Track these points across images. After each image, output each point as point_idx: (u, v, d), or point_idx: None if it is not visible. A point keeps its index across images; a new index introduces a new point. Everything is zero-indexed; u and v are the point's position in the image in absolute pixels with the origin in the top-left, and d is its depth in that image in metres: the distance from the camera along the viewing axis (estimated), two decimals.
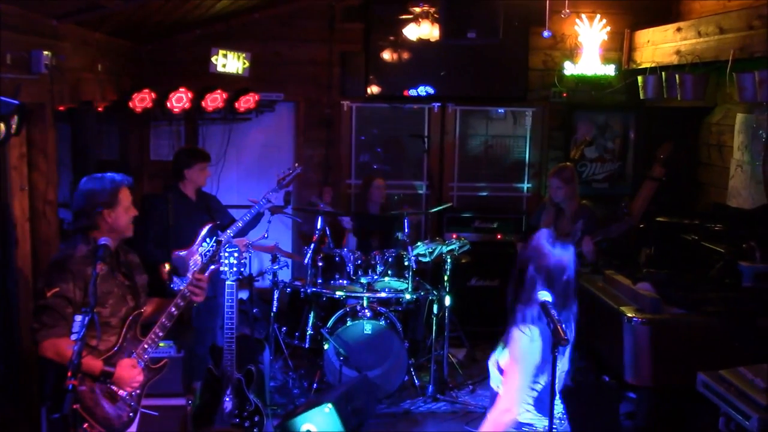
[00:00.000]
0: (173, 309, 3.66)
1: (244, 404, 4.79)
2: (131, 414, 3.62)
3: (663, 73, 6.93)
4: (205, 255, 4.03)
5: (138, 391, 3.64)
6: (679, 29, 6.85)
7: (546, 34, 5.92)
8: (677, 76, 6.64)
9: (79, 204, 3.60)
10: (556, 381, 2.98)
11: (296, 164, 5.89)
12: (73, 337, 3.16)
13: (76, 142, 5.88)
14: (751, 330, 5.33)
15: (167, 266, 5.42)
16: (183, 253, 5.52)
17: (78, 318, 3.20)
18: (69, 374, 2.97)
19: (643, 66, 7.57)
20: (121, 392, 3.56)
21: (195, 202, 5.83)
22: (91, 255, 3.47)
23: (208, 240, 4.91)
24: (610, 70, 7.89)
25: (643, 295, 5.77)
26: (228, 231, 5.55)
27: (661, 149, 7.54)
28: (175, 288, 5.39)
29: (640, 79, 7.39)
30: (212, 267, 3.85)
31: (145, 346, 3.65)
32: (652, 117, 8.04)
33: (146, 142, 7.74)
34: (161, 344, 4.46)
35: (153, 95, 6.50)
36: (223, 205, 6.12)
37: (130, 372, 3.56)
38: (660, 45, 7.26)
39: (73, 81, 5.33)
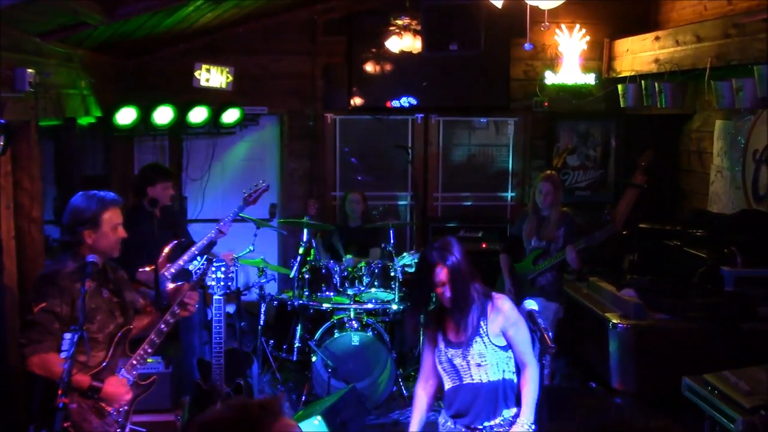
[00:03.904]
0: (163, 326, 3.67)
1: None
2: (119, 430, 3.61)
3: (642, 82, 7.03)
4: (196, 273, 4.04)
5: (126, 408, 3.64)
6: (657, 38, 6.95)
7: (527, 46, 5.99)
8: (656, 84, 6.74)
9: (65, 219, 3.61)
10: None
11: (262, 181, 5.85)
12: (63, 354, 3.16)
13: (60, 158, 5.87)
14: (734, 334, 5.40)
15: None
16: (148, 269, 5.44)
17: (67, 336, 3.19)
18: (60, 392, 2.97)
19: (623, 74, 7.66)
20: (108, 408, 3.55)
21: (159, 219, 5.76)
22: (79, 271, 3.48)
23: (199, 258, 4.91)
24: (590, 79, 7.98)
25: (628, 301, 5.84)
26: (184, 256, 5.45)
27: (643, 157, 7.59)
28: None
29: (620, 87, 7.48)
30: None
31: (134, 362, 3.65)
32: (633, 125, 8.14)
33: (131, 157, 7.74)
34: (149, 360, 4.47)
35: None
36: (184, 223, 6.07)
37: (118, 388, 3.56)
38: (639, 54, 7.35)
39: (57, 97, 5.32)
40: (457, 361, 3.43)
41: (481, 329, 3.40)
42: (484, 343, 3.39)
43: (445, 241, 3.40)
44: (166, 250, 5.39)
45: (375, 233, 7.07)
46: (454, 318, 3.40)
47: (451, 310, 3.38)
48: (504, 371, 3.42)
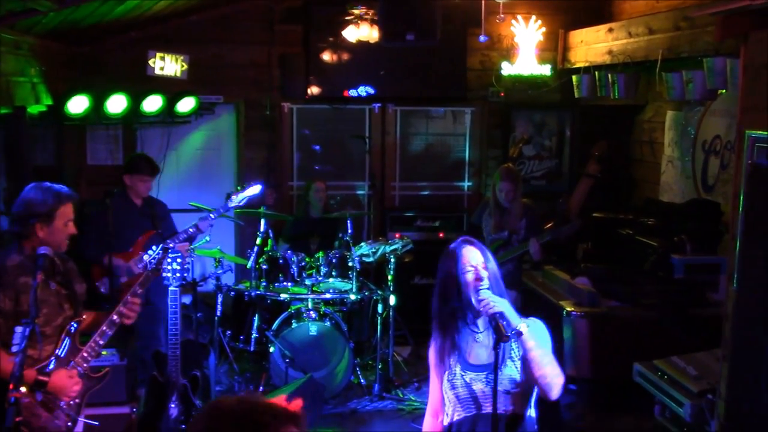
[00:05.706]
0: (115, 317, 3.62)
1: (190, 410, 4.74)
2: (69, 424, 3.56)
3: (596, 73, 7.12)
4: (151, 263, 4.00)
5: (77, 401, 3.58)
6: (610, 30, 7.05)
7: (482, 38, 6.02)
8: (610, 75, 6.83)
9: (16, 210, 3.55)
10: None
11: (252, 182, 5.79)
12: (14, 348, 3.11)
13: (10, 148, 5.75)
14: (683, 320, 5.53)
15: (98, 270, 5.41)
16: (119, 260, 5.44)
17: (18, 329, 3.14)
18: (11, 387, 2.92)
19: (578, 65, 7.75)
20: (57, 402, 3.50)
21: (139, 208, 5.78)
22: (25, 264, 3.43)
23: (154, 247, 4.88)
24: (545, 69, 8.05)
25: (581, 289, 5.94)
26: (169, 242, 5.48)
27: (597, 147, 7.75)
28: (104, 291, 5.37)
29: (574, 78, 7.57)
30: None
31: (84, 354, 3.59)
32: (587, 115, 8.25)
33: (83, 147, 7.59)
34: (104, 352, 4.40)
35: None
36: (168, 214, 6.05)
37: (66, 381, 3.50)
38: (593, 45, 7.45)
39: (6, 85, 5.21)
40: (478, 387, 2.98)
41: (512, 351, 2.98)
42: (516, 366, 2.97)
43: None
44: (144, 240, 5.40)
45: (335, 223, 7.06)
46: (482, 330, 3.03)
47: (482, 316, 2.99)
48: (531, 404, 3.01)
